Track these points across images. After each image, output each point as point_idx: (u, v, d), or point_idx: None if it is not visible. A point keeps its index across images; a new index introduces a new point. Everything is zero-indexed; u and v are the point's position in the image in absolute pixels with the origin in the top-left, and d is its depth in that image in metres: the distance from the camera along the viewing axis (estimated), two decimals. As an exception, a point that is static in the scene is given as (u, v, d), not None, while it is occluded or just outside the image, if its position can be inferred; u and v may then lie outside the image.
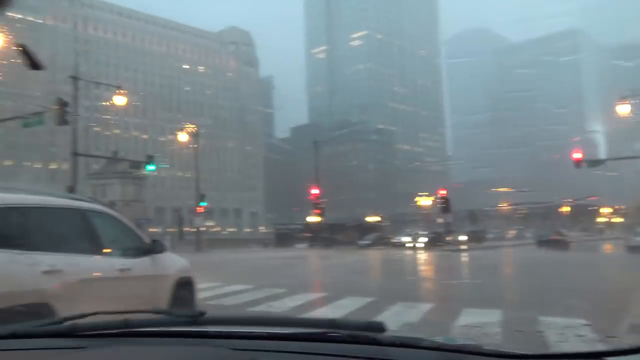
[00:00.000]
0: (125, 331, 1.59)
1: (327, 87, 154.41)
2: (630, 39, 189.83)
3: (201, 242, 41.49)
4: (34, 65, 14.85)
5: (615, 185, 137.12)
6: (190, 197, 54.03)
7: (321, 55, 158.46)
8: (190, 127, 43.97)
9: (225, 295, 11.80)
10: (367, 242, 50.09)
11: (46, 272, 4.17)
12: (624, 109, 31.43)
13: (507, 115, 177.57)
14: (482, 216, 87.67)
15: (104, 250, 5.19)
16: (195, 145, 44.06)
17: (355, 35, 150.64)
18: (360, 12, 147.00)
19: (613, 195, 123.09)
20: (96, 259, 4.98)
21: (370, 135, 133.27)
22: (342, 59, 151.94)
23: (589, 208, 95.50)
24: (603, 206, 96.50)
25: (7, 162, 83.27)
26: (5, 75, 79.08)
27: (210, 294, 11.15)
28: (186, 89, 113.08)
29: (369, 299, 10.61)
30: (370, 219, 75.43)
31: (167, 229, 66.42)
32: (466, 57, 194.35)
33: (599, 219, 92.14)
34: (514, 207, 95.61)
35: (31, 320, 1.88)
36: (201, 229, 43.22)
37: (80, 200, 5.67)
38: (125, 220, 5.92)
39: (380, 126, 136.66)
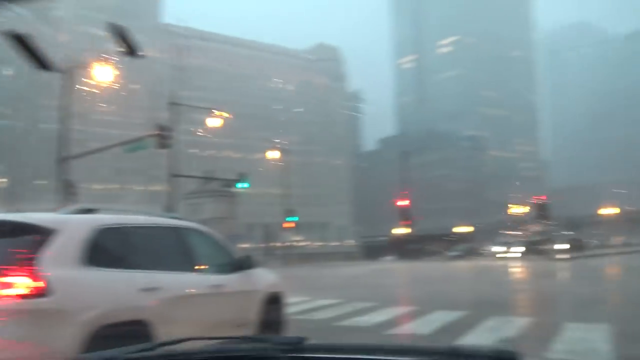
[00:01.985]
0: (220, 357, 1.53)
1: (415, 97, 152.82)
2: None
3: (289, 257, 42.27)
4: (131, 51, 16.03)
5: None
6: (279, 213, 55.28)
7: (408, 65, 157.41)
8: (280, 145, 45.27)
9: (314, 309, 11.99)
10: (457, 253, 48.83)
11: (144, 290, 4.50)
12: None
13: (610, 115, 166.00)
14: (583, 223, 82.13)
15: (199, 267, 5.52)
16: (284, 162, 45.25)
17: (443, 42, 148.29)
18: (449, 18, 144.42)
19: None
20: (191, 275, 5.31)
21: (460, 143, 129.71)
22: (430, 67, 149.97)
23: None
24: None
25: (113, 186, 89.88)
26: (112, 104, 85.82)
27: (298, 308, 11.36)
28: (276, 107, 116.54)
29: (460, 313, 10.36)
30: (460, 229, 73.29)
31: (257, 245, 68.29)
32: (564, 53, 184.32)
33: None
34: (622, 214, 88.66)
35: (128, 339, 2.00)
36: (289, 243, 44.11)
37: (175, 218, 6.08)
38: (217, 236, 6.26)
39: (470, 132, 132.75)
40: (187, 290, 5.12)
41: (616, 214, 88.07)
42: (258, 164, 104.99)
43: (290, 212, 43.49)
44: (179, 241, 5.42)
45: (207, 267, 5.74)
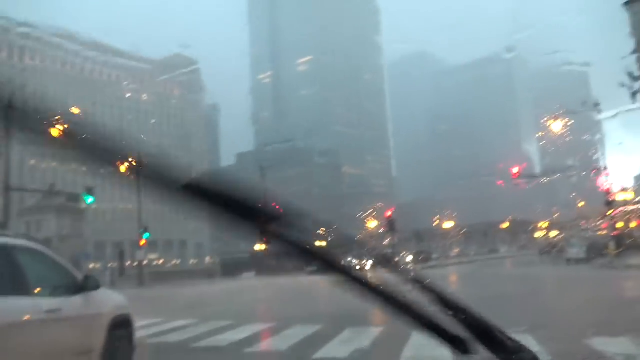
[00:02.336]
0: None
1: (273, 113, 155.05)
2: (561, 61, 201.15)
3: (144, 277, 40.13)
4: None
5: (551, 200, 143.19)
6: (133, 230, 52.45)
7: (267, 81, 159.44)
8: (131, 158, 42.71)
9: (169, 331, 11.32)
10: (314, 267, 49.96)
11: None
12: (556, 126, 33.09)
13: (447, 136, 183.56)
14: (427, 236, 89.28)
15: (31, 290, 4.85)
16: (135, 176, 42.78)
17: (301, 61, 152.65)
18: (306, 37, 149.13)
19: (548, 209, 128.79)
20: (21, 300, 4.64)
21: (316, 159, 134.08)
22: (289, 84, 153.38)
23: (527, 224, 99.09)
24: (540, 221, 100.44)
25: None
26: None
27: (152, 331, 10.67)
28: (128, 117, 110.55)
29: (318, 326, 10.45)
30: (319, 244, 75.05)
31: (108, 264, 63.93)
32: (408, 80, 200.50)
33: (537, 234, 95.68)
34: (458, 226, 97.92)
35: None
36: (144, 262, 41.84)
37: (3, 236, 5.31)
38: (55, 256, 5.60)
39: (326, 150, 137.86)
40: (15, 318, 4.44)
41: (454, 227, 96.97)
42: (109, 177, 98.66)
43: (144, 229, 41.18)
44: (6, 262, 4.71)
45: (41, 290, 5.06)
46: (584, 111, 30.06)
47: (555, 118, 33.03)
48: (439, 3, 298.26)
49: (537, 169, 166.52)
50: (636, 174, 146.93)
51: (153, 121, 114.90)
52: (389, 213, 43.15)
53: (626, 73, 21.61)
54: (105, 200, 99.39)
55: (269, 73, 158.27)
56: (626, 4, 20.49)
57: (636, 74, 20.54)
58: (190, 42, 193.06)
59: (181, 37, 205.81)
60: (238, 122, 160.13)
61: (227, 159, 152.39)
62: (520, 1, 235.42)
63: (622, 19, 20.14)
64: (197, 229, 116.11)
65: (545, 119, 36.97)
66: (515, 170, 33.40)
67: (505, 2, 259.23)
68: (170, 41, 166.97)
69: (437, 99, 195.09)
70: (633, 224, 56.71)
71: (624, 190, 56.99)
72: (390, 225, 41.52)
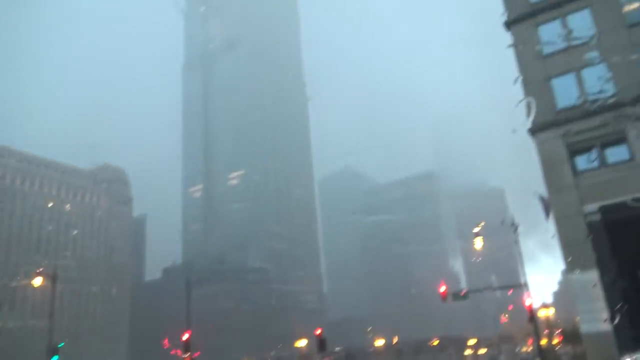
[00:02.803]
0: None
1: (203, 226, 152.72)
2: (481, 181, 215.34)
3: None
4: None
5: (478, 316, 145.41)
6: (41, 350, 47.77)
7: (198, 194, 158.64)
8: (48, 270, 40.20)
9: None
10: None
11: None
12: (478, 244, 34.55)
13: (378, 252, 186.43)
14: (358, 355, 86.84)
15: None
16: (52, 291, 39.95)
17: (233, 175, 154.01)
18: (238, 152, 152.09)
19: (477, 325, 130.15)
20: None
21: (246, 274, 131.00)
22: (220, 197, 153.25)
23: (457, 341, 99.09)
24: (469, 337, 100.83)
25: None
26: None
27: None
28: (49, 228, 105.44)
29: None
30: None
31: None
32: (339, 196, 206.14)
33: (466, 352, 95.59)
34: (388, 344, 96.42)
35: None
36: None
37: None
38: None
39: (256, 265, 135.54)
40: None
41: (385, 345, 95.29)
42: (19, 291, 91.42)
43: (53, 351, 37.47)
44: None
45: None
46: (503, 229, 31.75)
47: (476, 235, 34.53)
48: (367, 125, 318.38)
49: (463, 284, 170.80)
50: (554, 289, 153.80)
51: (75, 232, 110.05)
52: (319, 331, 41.94)
53: (538, 196, 23.33)
54: (14, 317, 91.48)
55: (200, 186, 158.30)
56: (531, 132, 22.66)
57: (546, 195, 22.24)
58: (121, 153, 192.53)
59: (113, 149, 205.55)
60: (166, 235, 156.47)
61: (152, 273, 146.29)
62: (443, 126, 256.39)
63: (532, 145, 22.22)
64: (115, 349, 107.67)
65: (468, 236, 38.67)
66: (442, 288, 34.00)
67: (429, 127, 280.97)
68: (101, 152, 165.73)
69: (367, 216, 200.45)
70: (555, 340, 58.20)
71: (544, 306, 59.13)
72: (321, 345, 40.24)
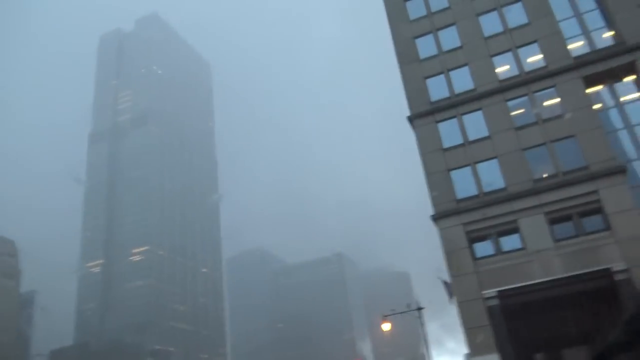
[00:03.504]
0: None
1: (101, 304, 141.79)
2: (386, 264, 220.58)
3: None
4: None
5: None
6: None
7: (96, 270, 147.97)
8: None
9: None
10: None
11: None
12: (385, 326, 34.90)
13: (285, 335, 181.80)
14: None
15: None
16: None
17: (136, 250, 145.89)
18: (143, 228, 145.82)
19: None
20: None
21: (145, 358, 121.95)
22: (120, 274, 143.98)
23: None
24: None
25: None
26: None
27: None
28: None
29: None
30: None
31: None
32: (247, 275, 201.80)
33: None
34: None
35: None
36: None
37: None
38: None
39: (157, 347, 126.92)
40: None
41: None
42: None
43: None
44: None
45: None
46: (408, 311, 32.39)
47: (384, 319, 34.96)
48: (275, 206, 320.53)
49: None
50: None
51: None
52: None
53: (441, 280, 24.36)
54: None
55: (100, 261, 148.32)
56: (434, 219, 23.94)
57: (449, 280, 23.25)
58: (13, 223, 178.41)
59: (3, 218, 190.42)
60: (57, 313, 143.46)
61: (39, 354, 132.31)
62: (350, 213, 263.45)
63: (435, 231, 23.45)
64: None
65: (376, 319, 39.08)
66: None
67: (337, 210, 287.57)
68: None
69: (276, 297, 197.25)
70: None
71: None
72: None
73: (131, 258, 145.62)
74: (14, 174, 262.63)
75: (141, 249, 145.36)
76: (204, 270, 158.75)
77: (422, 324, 30.38)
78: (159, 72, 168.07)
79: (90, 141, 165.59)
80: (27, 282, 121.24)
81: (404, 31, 28.50)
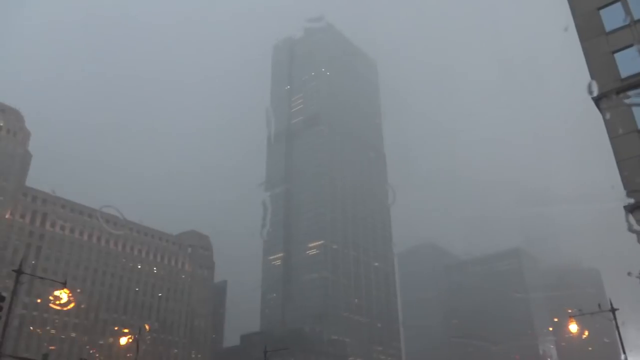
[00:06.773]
0: None
1: (281, 295, 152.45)
2: (569, 263, 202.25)
3: None
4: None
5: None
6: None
7: (278, 262, 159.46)
8: (134, 331, 41.71)
9: None
10: None
11: None
12: (573, 328, 32.10)
13: (460, 330, 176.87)
14: None
15: None
16: (134, 352, 41.23)
17: (312, 244, 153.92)
18: (318, 223, 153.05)
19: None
20: None
21: (324, 348, 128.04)
22: (298, 266, 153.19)
23: None
24: None
25: None
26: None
27: None
28: (136, 289, 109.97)
29: None
30: None
31: None
32: (418, 269, 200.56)
33: None
34: None
35: None
36: None
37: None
38: None
39: (333, 337, 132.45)
40: None
41: None
42: (106, 350, 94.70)
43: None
44: None
45: None
46: (599, 312, 29.34)
47: (571, 319, 32.11)
48: (449, 200, 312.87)
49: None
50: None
51: (160, 294, 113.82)
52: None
53: (637, 276, 21.60)
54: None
55: (280, 254, 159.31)
56: (629, 211, 21.31)
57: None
58: (205, 219, 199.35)
59: (198, 215, 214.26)
60: (245, 301, 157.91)
61: (231, 339, 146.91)
62: (529, 205, 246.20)
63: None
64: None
65: (561, 318, 36.03)
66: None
67: (513, 208, 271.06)
68: (187, 218, 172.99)
69: (449, 292, 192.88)
70: None
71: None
72: None
73: (307, 252, 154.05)
74: (207, 179, 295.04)
75: (316, 243, 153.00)
76: (376, 264, 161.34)
77: (617, 327, 27.28)
78: (327, 73, 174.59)
79: (268, 144, 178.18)
80: (219, 273, 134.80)
81: (585, 3, 25.74)
